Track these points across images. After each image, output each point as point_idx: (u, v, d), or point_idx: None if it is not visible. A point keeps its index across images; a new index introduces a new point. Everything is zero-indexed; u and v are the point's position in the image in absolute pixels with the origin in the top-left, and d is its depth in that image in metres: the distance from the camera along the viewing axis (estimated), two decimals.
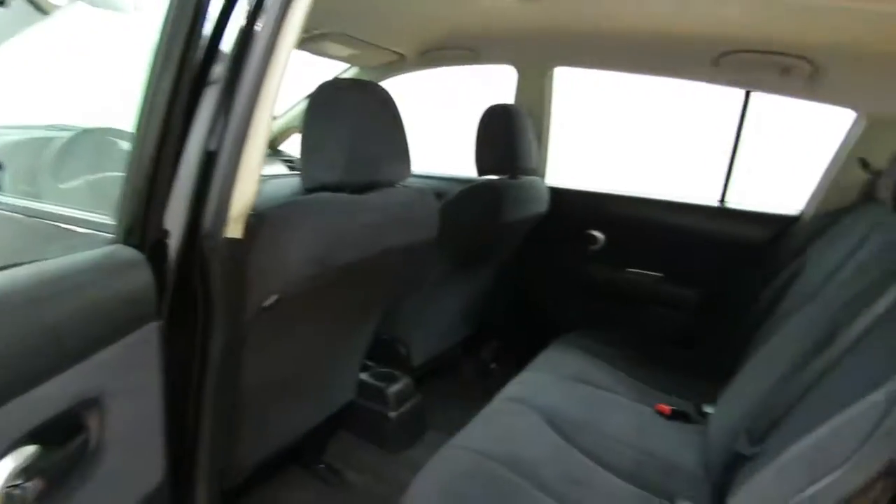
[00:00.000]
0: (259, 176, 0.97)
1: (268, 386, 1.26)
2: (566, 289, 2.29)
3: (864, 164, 1.75)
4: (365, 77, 2.41)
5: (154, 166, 0.82)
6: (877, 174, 1.72)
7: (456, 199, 1.73)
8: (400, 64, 2.27)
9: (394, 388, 1.81)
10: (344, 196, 1.13)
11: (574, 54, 2.00)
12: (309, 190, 1.14)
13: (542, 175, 2.24)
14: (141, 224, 0.81)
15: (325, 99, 1.13)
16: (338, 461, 1.72)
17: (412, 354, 1.95)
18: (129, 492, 0.86)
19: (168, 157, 0.85)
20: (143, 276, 0.79)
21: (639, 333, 2.11)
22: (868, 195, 1.72)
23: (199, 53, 0.88)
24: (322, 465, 1.68)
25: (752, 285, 1.91)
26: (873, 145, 1.73)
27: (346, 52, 2.10)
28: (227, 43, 0.91)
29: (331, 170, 1.11)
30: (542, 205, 2.04)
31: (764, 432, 1.09)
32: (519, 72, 2.14)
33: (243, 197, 0.94)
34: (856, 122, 1.76)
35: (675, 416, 1.52)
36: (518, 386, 1.58)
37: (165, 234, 0.86)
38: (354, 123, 1.12)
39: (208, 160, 0.90)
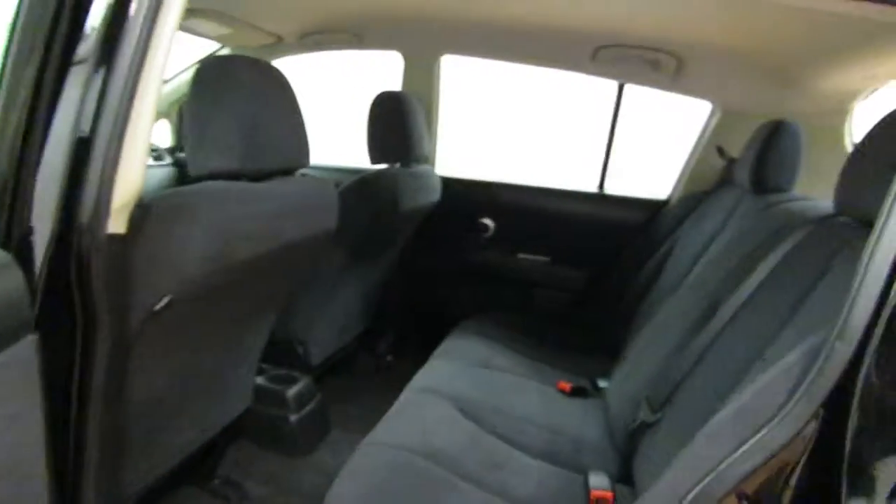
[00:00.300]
0: (146, 163, 0.85)
1: (159, 400, 1.12)
2: (460, 277, 2.31)
3: (721, 152, 1.96)
4: None
5: (17, 155, 0.68)
6: (732, 160, 1.93)
7: (351, 188, 1.66)
8: (278, 47, 2.13)
9: (293, 390, 1.70)
10: (241, 185, 1.02)
11: (461, 42, 2.01)
12: (196, 178, 1.02)
13: (433, 164, 2.23)
14: (5, 220, 0.67)
15: (217, 75, 1.01)
16: (237, 473, 1.59)
17: (310, 353, 1.85)
18: None
19: (32, 144, 0.71)
20: (13, 280, 0.65)
21: (532, 316, 2.19)
22: (725, 180, 1.93)
23: (65, 27, 0.74)
24: (217, 480, 1.54)
25: (631, 266, 2.07)
26: (728, 134, 1.94)
27: (219, 30, 1.92)
28: (99, 13, 0.78)
29: (226, 155, 1.00)
30: (434, 194, 2.03)
31: (663, 400, 1.17)
32: (405, 59, 2.10)
33: (127, 187, 0.82)
34: (713, 114, 1.97)
35: (575, 392, 1.59)
36: (426, 376, 1.57)
37: (32, 230, 0.71)
38: (252, 104, 1.02)
39: (81, 147, 0.76)
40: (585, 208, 2.18)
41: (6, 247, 0.66)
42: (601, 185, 2.21)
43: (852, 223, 0.97)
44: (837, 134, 1.75)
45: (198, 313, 1.07)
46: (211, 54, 2.17)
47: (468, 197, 2.24)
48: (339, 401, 1.95)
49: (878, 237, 0.58)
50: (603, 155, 2.17)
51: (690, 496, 0.66)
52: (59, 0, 0.72)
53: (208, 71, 1.02)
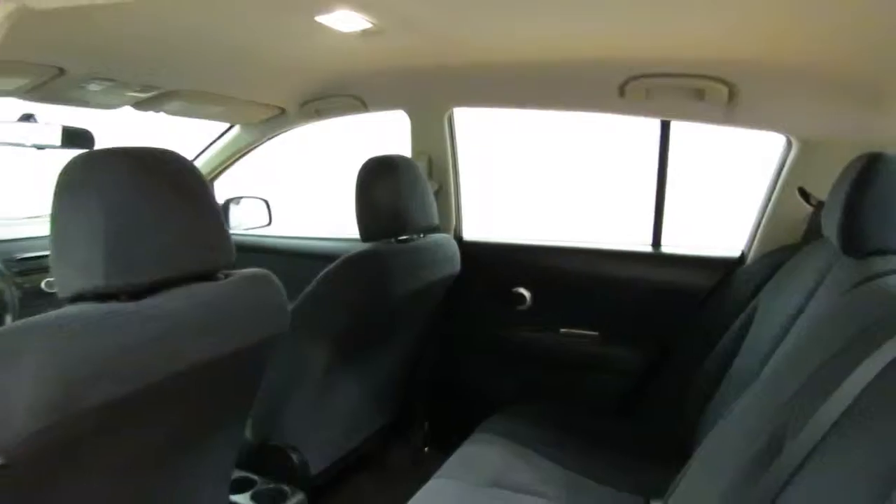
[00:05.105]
0: None
1: None
2: (495, 357, 1.99)
3: (804, 195, 1.52)
4: (248, 136, 2.14)
5: None
6: (820, 205, 1.49)
7: (330, 274, 1.44)
8: (283, 119, 2.00)
9: None
10: (102, 308, 0.82)
11: (470, 92, 1.76)
12: (68, 300, 0.85)
13: (452, 230, 1.96)
14: None
15: (75, 178, 0.85)
16: None
17: (309, 462, 1.60)
18: None
19: None
20: None
21: (576, 404, 1.81)
22: (813, 230, 1.48)
23: None
24: None
25: (700, 343, 1.65)
26: (812, 171, 1.50)
27: (214, 110, 1.83)
28: None
29: (86, 272, 0.82)
30: (450, 265, 1.76)
31: None
32: (411, 116, 1.89)
33: None
34: (788, 147, 1.54)
35: None
36: None
37: None
38: (115, 205, 0.83)
39: None
40: (639, 271, 1.79)
41: None
42: (656, 243, 1.82)
43: None
44: None
45: (74, 461, 0.86)
46: (220, 135, 2.13)
47: (498, 264, 1.94)
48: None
49: None
50: (654, 205, 1.79)
51: None
52: None
53: (70, 171, 0.85)
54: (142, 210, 0.86)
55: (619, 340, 1.81)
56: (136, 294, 0.87)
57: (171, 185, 0.91)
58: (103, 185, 0.84)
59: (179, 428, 1.06)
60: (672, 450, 1.54)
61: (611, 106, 1.56)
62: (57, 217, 0.84)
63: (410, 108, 1.88)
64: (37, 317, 0.78)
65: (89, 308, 0.82)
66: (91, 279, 0.82)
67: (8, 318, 1.54)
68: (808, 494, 0.70)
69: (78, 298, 0.84)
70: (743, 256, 1.70)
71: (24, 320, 0.78)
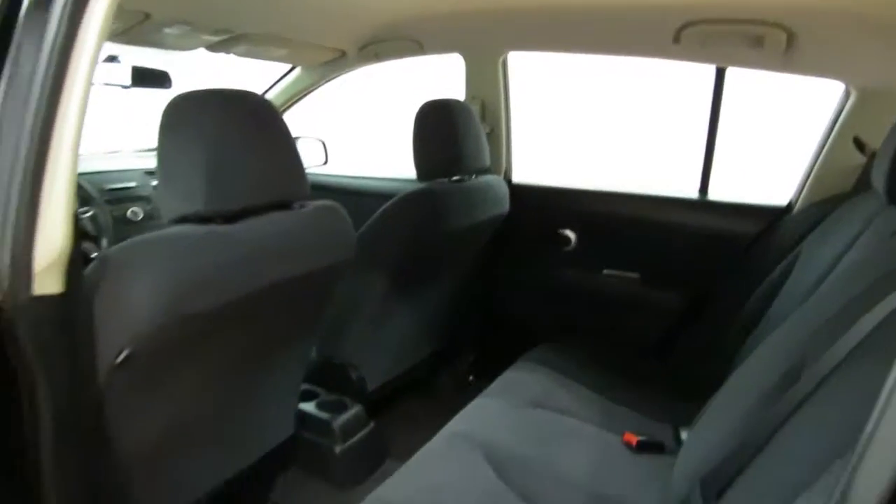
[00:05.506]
0: (72, 210, 0.80)
1: (159, 443, 1.10)
2: (540, 294, 2.09)
3: (859, 145, 1.52)
4: (308, 78, 2.23)
5: None
6: (873, 155, 1.49)
7: (388, 210, 1.55)
8: (343, 61, 2.08)
9: (341, 420, 1.64)
10: (201, 229, 0.96)
11: (525, 36, 1.79)
12: (172, 222, 0.99)
13: (502, 172, 2.04)
14: None
15: (177, 117, 0.97)
16: (282, 498, 1.57)
17: (366, 379, 1.78)
18: None
19: None
20: None
21: (616, 343, 1.91)
22: (866, 182, 1.49)
23: None
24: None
25: (740, 288, 1.70)
26: (868, 121, 1.49)
27: (279, 52, 1.93)
28: None
29: (189, 199, 0.95)
30: (500, 206, 1.85)
31: (721, 488, 0.89)
32: (466, 60, 1.94)
33: (51, 240, 0.78)
34: (846, 96, 1.53)
35: (644, 447, 1.32)
36: (466, 417, 1.41)
37: None
38: (213, 141, 0.96)
39: None
40: (684, 217, 1.84)
41: None
42: (703, 190, 1.85)
43: None
44: None
45: (176, 361, 1.02)
46: (282, 76, 2.23)
47: (545, 206, 2.01)
48: (410, 426, 1.86)
49: None
50: (703, 153, 1.81)
51: None
52: None
53: (172, 111, 0.97)
54: (234, 145, 0.98)
55: (660, 284, 1.88)
56: (229, 219, 1.00)
57: (256, 122, 1.03)
58: (202, 123, 0.96)
59: (262, 340, 1.22)
60: (705, 389, 1.62)
61: (666, 51, 1.57)
62: (163, 151, 0.97)
63: (466, 52, 1.93)
64: (147, 235, 0.92)
65: (189, 229, 0.96)
66: (193, 204, 0.96)
67: (104, 241, 1.72)
68: (816, 418, 0.78)
69: (181, 220, 0.98)
70: (790, 205, 1.72)
71: (136, 238, 0.92)
